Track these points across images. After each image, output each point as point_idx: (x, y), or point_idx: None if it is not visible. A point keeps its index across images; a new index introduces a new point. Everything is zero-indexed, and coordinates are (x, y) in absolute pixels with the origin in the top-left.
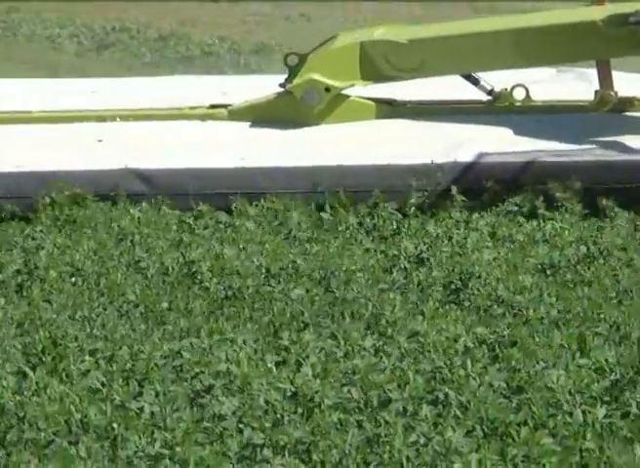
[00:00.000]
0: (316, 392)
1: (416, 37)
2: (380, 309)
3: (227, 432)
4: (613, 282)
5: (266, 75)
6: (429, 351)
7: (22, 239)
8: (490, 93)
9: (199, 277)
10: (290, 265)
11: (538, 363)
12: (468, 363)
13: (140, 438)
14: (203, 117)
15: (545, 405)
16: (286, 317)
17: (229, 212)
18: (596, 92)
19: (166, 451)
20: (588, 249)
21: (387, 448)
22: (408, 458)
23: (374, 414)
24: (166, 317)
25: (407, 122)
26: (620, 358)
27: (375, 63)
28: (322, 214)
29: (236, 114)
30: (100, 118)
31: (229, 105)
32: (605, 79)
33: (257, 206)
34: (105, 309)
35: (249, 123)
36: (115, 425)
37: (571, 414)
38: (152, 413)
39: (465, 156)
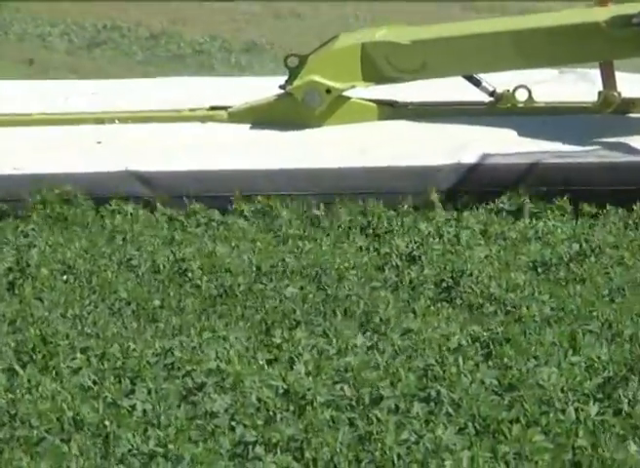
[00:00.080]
0: (308, 389)
1: (417, 38)
2: (373, 307)
3: (219, 430)
4: (605, 279)
5: (265, 77)
6: (422, 349)
7: (14, 237)
8: (492, 94)
9: (191, 275)
10: (282, 263)
11: (530, 360)
12: (460, 360)
13: (133, 436)
14: (203, 119)
15: (537, 402)
16: (278, 315)
17: (224, 211)
18: (599, 93)
19: (159, 449)
20: (580, 246)
21: (379, 445)
22: (399, 456)
23: (366, 412)
24: (158, 315)
25: (409, 123)
26: (612, 355)
27: (376, 65)
28: (314, 211)
29: (236, 116)
30: (99, 120)
31: (229, 107)
32: (608, 80)
33: (249, 203)
34: (97, 307)
35: (249, 125)
36: (107, 423)
37: (563, 412)
38: (144, 411)
39: (469, 158)
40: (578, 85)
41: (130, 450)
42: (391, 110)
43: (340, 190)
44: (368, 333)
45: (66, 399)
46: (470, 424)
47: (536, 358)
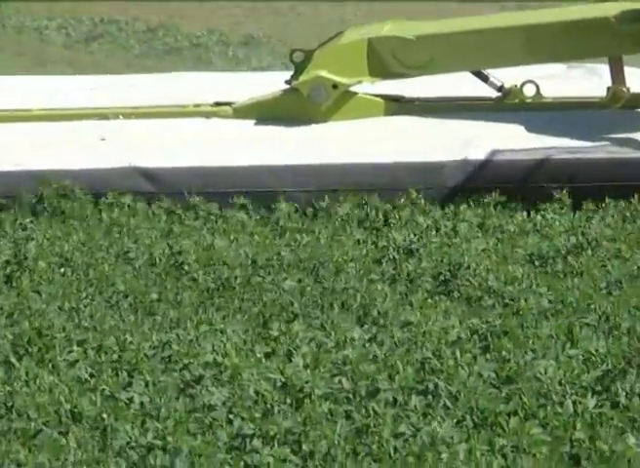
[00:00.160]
0: (306, 382)
1: (424, 33)
2: (370, 300)
3: (217, 422)
4: (602, 272)
5: (269, 72)
6: (420, 342)
7: (12, 230)
8: (499, 89)
9: (188, 268)
10: (279, 256)
11: (527, 353)
12: (458, 353)
13: (131, 428)
14: (207, 115)
15: (535, 395)
16: (275, 308)
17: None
18: (608, 88)
19: (157, 442)
20: (578, 239)
21: (376, 438)
22: (396, 449)
23: (363, 405)
24: (155, 308)
25: (415, 119)
26: (609, 348)
27: (382, 60)
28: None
29: (241, 112)
30: (103, 116)
31: (234, 103)
32: (617, 75)
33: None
34: (94, 300)
35: (254, 120)
36: (105, 415)
37: (561, 405)
38: (142, 404)
39: (476, 154)
40: (586, 80)
41: (128, 443)
42: (398, 106)
43: (346, 186)
44: (366, 326)
45: (64, 391)
46: (468, 417)
47: (533, 351)
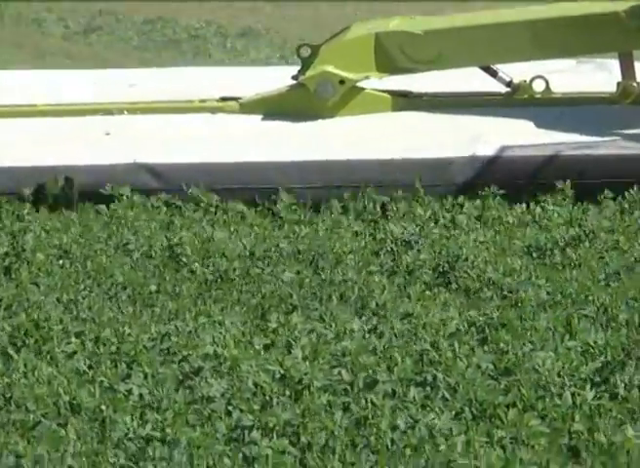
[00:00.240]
0: (305, 374)
1: (432, 28)
2: (368, 292)
3: (216, 414)
4: (601, 264)
5: (274, 67)
6: (419, 333)
7: (10, 222)
8: (508, 84)
9: (187, 259)
10: (278, 248)
11: (526, 345)
12: (456, 345)
13: (130, 420)
14: (214, 110)
15: (534, 387)
16: (274, 299)
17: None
18: (618, 83)
19: (156, 433)
20: (576, 231)
21: (374, 430)
22: (394, 441)
23: (362, 397)
24: (154, 299)
25: (423, 115)
26: (608, 340)
27: (390, 55)
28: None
29: (247, 107)
30: (108, 111)
31: (240, 98)
32: (627, 70)
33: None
34: (92, 291)
35: (260, 116)
36: (104, 407)
37: (560, 396)
38: (141, 396)
39: (485, 150)
40: (595, 75)
41: (126, 435)
42: (405, 101)
43: (352, 183)
44: (365, 318)
45: (62, 383)
46: (467, 409)
47: (532, 342)
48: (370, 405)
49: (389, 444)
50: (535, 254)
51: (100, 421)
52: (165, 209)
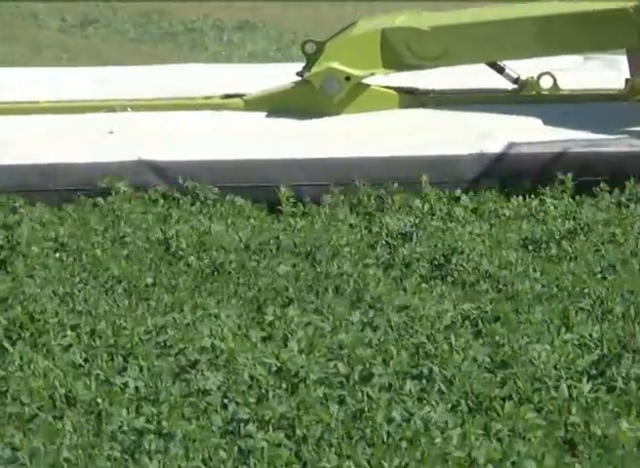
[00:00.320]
0: (301, 367)
1: (439, 24)
2: (364, 285)
3: (212, 407)
4: (597, 257)
5: (278, 64)
6: (415, 326)
7: (4, 214)
8: (516, 81)
9: (183, 252)
10: (275, 241)
11: (522, 338)
12: (452, 338)
13: (126, 413)
14: (218, 107)
15: (530, 379)
16: (270, 292)
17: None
18: (627, 80)
19: (152, 426)
20: (572, 224)
21: (370, 423)
22: (389, 433)
23: (358, 390)
24: (149, 292)
25: (430, 112)
26: (604, 333)
27: (396, 51)
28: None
29: (252, 104)
30: (111, 108)
31: (244, 95)
32: (636, 67)
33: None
34: (88, 284)
35: (265, 113)
36: (100, 400)
37: (556, 389)
38: (137, 388)
39: (492, 147)
40: (603, 72)
41: (122, 428)
42: (412, 98)
43: (358, 181)
44: (361, 311)
45: (58, 376)
46: (463, 402)
47: (528, 335)
48: (366, 398)
49: (385, 437)
50: (531, 247)
51: (95, 414)
52: (162, 201)
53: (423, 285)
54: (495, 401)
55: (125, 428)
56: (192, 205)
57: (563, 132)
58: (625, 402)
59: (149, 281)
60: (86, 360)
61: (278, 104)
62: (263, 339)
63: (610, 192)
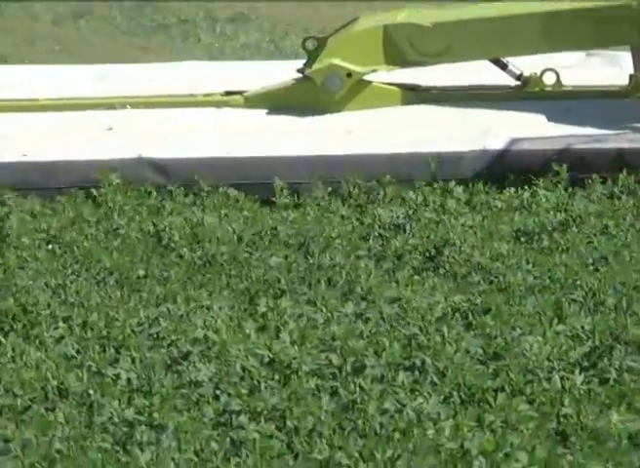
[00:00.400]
0: (294, 358)
1: (441, 20)
2: (356, 276)
3: (204, 399)
4: (589, 249)
5: (279, 61)
6: (407, 318)
7: None
8: (518, 78)
9: (176, 244)
10: (267, 232)
11: (514, 329)
12: (445, 329)
13: (118, 404)
14: (218, 104)
15: (523, 371)
16: (262, 284)
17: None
18: (631, 76)
19: (143, 418)
20: (564, 216)
21: (362, 414)
22: (382, 425)
23: (350, 381)
24: (141, 284)
25: (432, 108)
26: (596, 324)
27: (398, 48)
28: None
29: (253, 101)
30: (110, 106)
31: (245, 92)
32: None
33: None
34: (79, 276)
35: (266, 110)
36: (92, 392)
37: (548, 381)
38: (129, 380)
39: (495, 143)
40: (605, 69)
41: (113, 419)
42: (414, 95)
43: (360, 178)
44: (353, 303)
45: (50, 368)
46: (455, 393)
47: (520, 327)
48: (358, 389)
49: (378, 428)
50: (523, 239)
51: (87, 406)
52: (155, 193)
53: (415, 277)
54: (487, 392)
55: (116, 419)
56: (185, 196)
57: (566, 128)
58: (618, 393)
59: (141, 273)
60: (78, 351)
61: (279, 101)
62: (256, 331)
63: (603, 183)
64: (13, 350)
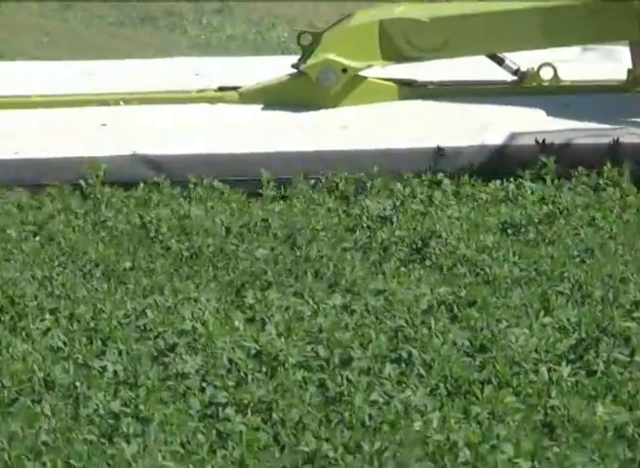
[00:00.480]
0: (280, 351)
1: (438, 15)
2: (342, 268)
3: (190, 391)
4: (575, 241)
5: (273, 57)
6: (393, 310)
7: None
8: (515, 72)
9: (163, 236)
10: (254, 224)
11: (501, 322)
12: (432, 321)
13: (104, 396)
14: (212, 100)
15: (509, 363)
16: (249, 276)
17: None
18: (629, 70)
19: (130, 410)
20: (550, 208)
21: (349, 406)
22: (370, 416)
23: (337, 373)
24: (128, 276)
25: (429, 103)
26: (583, 317)
27: (394, 43)
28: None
29: (247, 97)
30: (103, 102)
31: (239, 87)
32: (638, 58)
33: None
34: (66, 268)
35: (261, 106)
36: (78, 384)
37: (535, 373)
38: (115, 372)
39: (494, 138)
40: (602, 63)
41: (99, 411)
42: (410, 90)
43: (356, 174)
44: (340, 295)
45: (37, 360)
46: (442, 385)
47: (507, 319)
48: (345, 381)
49: (367, 419)
50: (510, 231)
51: (74, 398)
52: (142, 185)
53: (402, 268)
54: (474, 384)
55: (102, 412)
56: (172, 188)
57: (564, 123)
58: (605, 385)
59: (128, 265)
60: (65, 343)
61: (273, 97)
62: (244, 323)
63: (587, 175)
64: (0, 342)
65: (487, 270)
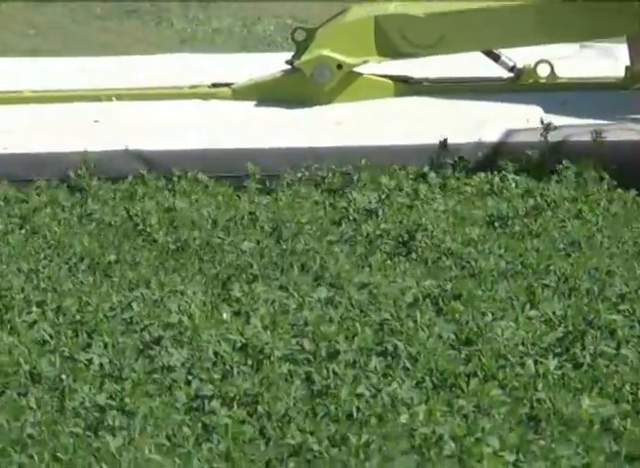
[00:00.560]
0: (266, 343)
1: (434, 11)
2: (328, 261)
3: (176, 384)
4: (562, 233)
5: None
6: (379, 303)
7: None
8: (512, 69)
9: (149, 229)
10: (239, 217)
11: (486, 315)
12: (417, 315)
13: (89, 389)
14: (205, 96)
15: (495, 356)
16: (235, 269)
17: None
18: (627, 67)
19: (115, 403)
20: (536, 201)
21: (335, 399)
22: (358, 409)
23: (323, 366)
24: (113, 269)
25: (424, 100)
26: (569, 310)
27: (390, 39)
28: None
29: (240, 93)
30: (96, 98)
31: (232, 84)
32: (636, 55)
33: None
34: (52, 261)
35: (254, 102)
36: (64, 377)
37: (521, 366)
38: (101, 365)
39: (490, 135)
40: (600, 60)
41: (85, 404)
42: (405, 87)
43: (350, 170)
44: (325, 288)
45: (23, 353)
46: (428, 378)
47: (492, 312)
48: (332, 374)
49: (355, 412)
50: (496, 224)
51: (59, 391)
52: (129, 177)
53: (388, 262)
54: (459, 377)
55: (88, 404)
56: (158, 181)
57: (561, 120)
58: (591, 378)
59: (113, 258)
60: (51, 336)
61: (267, 93)
62: (230, 316)
63: (574, 169)
64: None
65: (472, 263)
